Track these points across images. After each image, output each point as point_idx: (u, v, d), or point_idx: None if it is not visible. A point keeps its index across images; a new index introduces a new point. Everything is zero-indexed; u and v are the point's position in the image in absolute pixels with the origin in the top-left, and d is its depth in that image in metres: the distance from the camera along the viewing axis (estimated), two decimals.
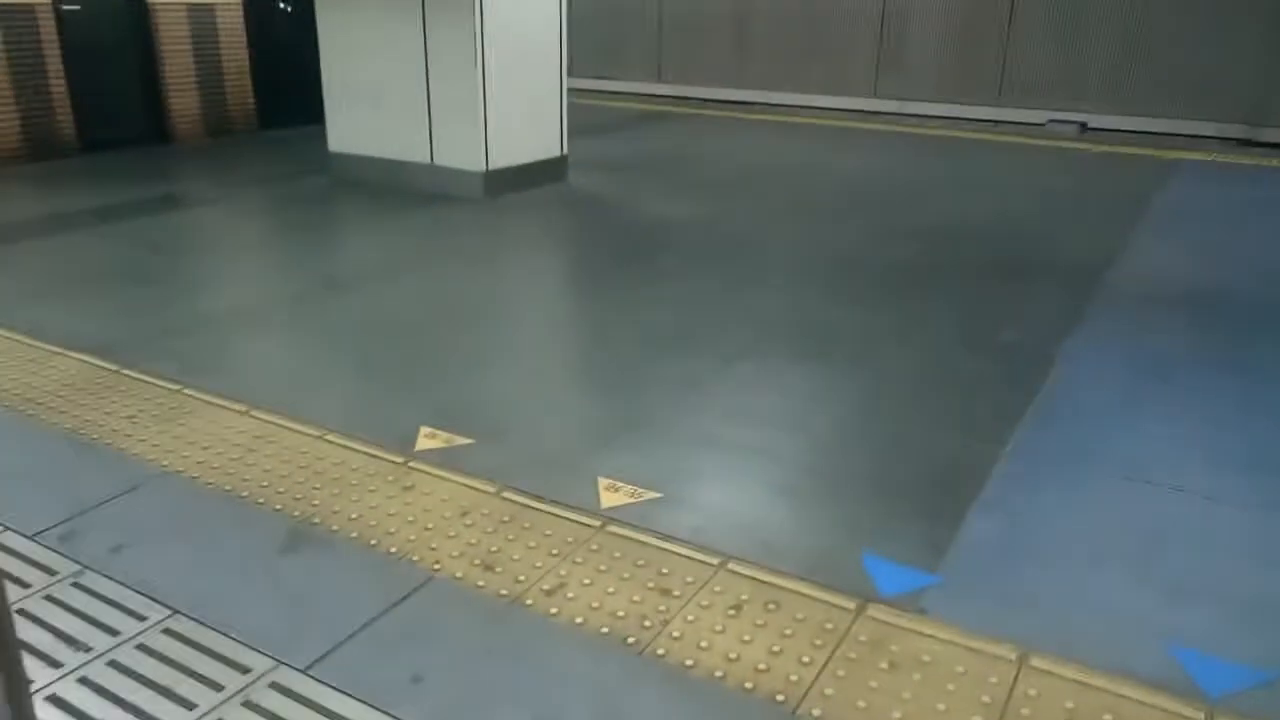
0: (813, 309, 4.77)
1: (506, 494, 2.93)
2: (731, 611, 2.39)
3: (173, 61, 8.90)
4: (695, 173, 8.31)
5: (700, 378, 3.88)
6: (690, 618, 2.37)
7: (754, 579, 2.52)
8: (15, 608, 2.37)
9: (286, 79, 9.58)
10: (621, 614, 2.38)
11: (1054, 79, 10.48)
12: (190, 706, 2.07)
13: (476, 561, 2.59)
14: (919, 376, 3.94)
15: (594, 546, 2.66)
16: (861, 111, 11.63)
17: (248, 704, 2.07)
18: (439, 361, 4.10)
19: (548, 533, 2.72)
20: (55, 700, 2.08)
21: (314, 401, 3.57)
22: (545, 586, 2.48)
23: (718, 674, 2.18)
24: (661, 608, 2.40)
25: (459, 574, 2.53)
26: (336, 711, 2.05)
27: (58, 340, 4.14)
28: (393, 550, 2.64)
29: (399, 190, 7.19)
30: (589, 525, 2.76)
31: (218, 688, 2.12)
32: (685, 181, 7.91)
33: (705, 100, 12.65)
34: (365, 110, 7.41)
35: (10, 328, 4.29)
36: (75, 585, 2.47)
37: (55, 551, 2.61)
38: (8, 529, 2.71)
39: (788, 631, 2.32)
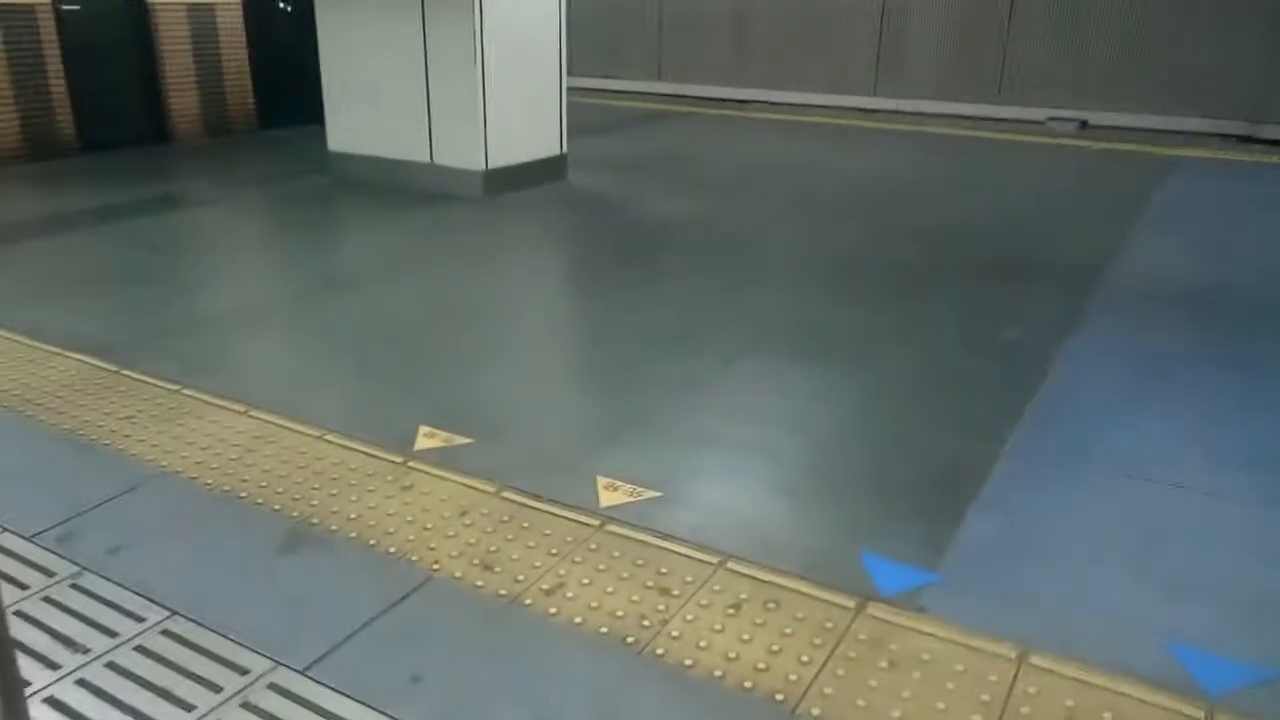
0: (813, 308, 4.77)
1: (506, 493, 2.93)
2: (731, 611, 2.39)
3: (172, 61, 8.90)
4: (695, 171, 8.30)
5: (700, 377, 3.87)
6: (689, 617, 2.36)
7: (753, 578, 2.52)
8: (13, 609, 2.37)
9: (286, 79, 9.58)
10: (620, 613, 2.37)
11: (1054, 76, 10.47)
12: (189, 708, 2.06)
13: (475, 561, 2.58)
14: (918, 375, 3.93)
15: (593, 546, 2.65)
16: (861, 109, 11.62)
17: (246, 705, 2.07)
18: (439, 361, 4.10)
19: (547, 532, 2.72)
20: (53, 702, 2.08)
21: (313, 401, 3.57)
22: (544, 586, 2.48)
23: (717, 673, 2.18)
24: (660, 607, 2.40)
25: (458, 574, 2.53)
26: (335, 712, 2.05)
27: (57, 340, 4.14)
28: (392, 550, 2.63)
29: (399, 189, 7.18)
30: (588, 524, 2.76)
31: (216, 689, 2.12)
32: (685, 180, 7.90)
33: (705, 99, 12.64)
34: (365, 110, 7.41)
35: (10, 328, 4.29)
36: (73, 587, 2.47)
37: (53, 553, 2.61)
38: (6, 530, 2.71)
39: (787, 630, 2.32)
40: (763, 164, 8.71)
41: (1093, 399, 3.66)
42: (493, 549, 2.64)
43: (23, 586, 2.46)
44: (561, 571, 2.54)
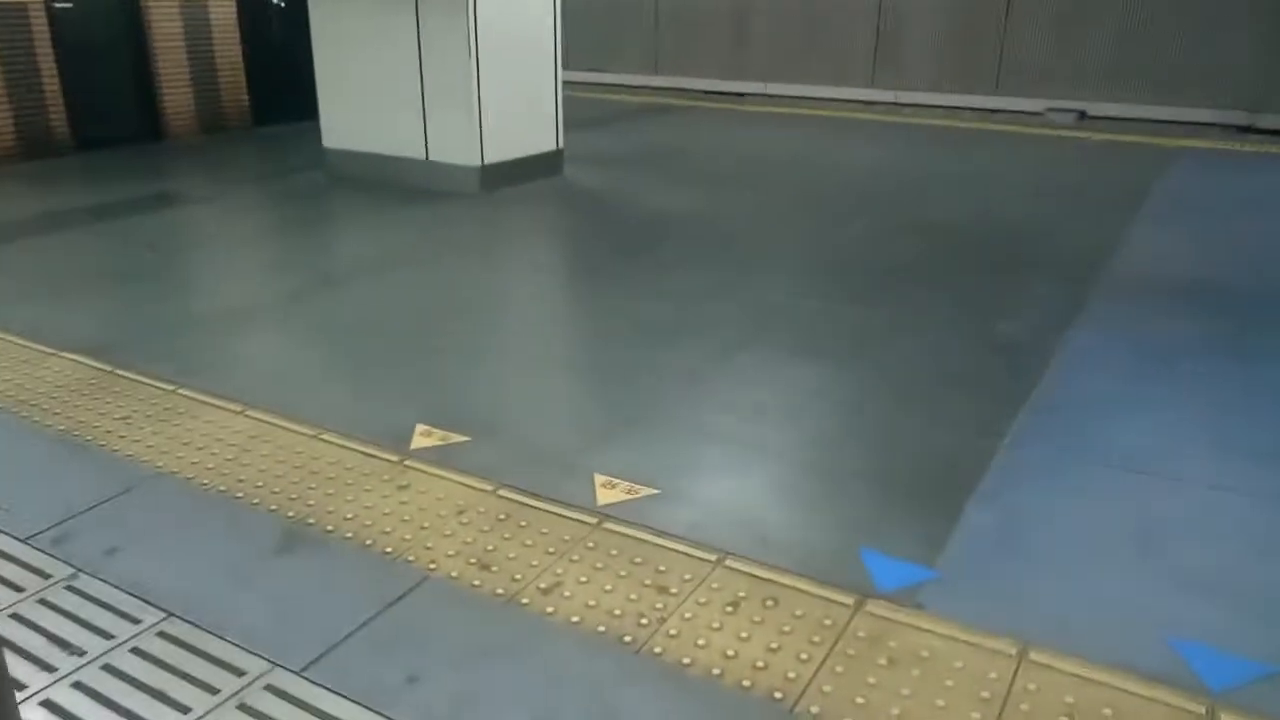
0: (811, 302, 4.75)
1: (503, 492, 2.91)
2: (729, 608, 2.38)
3: (166, 58, 8.86)
4: (692, 165, 8.28)
5: (698, 372, 3.86)
6: (687, 615, 2.35)
7: (751, 575, 2.51)
8: (8, 612, 2.36)
9: (280, 75, 9.54)
10: (618, 612, 2.36)
11: (1052, 67, 10.43)
12: (185, 710, 2.05)
13: (472, 560, 2.57)
14: (916, 368, 3.92)
15: (590, 544, 2.64)
16: (859, 101, 11.59)
17: (243, 707, 2.06)
18: (435, 359, 4.08)
19: (544, 530, 2.71)
20: (49, 705, 2.07)
21: (309, 400, 3.55)
22: (541, 585, 2.47)
23: (715, 672, 2.17)
24: (658, 605, 2.39)
25: (455, 573, 2.52)
26: (332, 713, 2.04)
27: (52, 340, 4.12)
28: (388, 550, 2.62)
29: (394, 186, 7.16)
30: (585, 522, 2.75)
31: (213, 691, 2.10)
32: (682, 174, 7.88)
33: (702, 92, 12.60)
34: (359, 106, 7.38)
35: (4, 328, 4.27)
36: (69, 588, 2.45)
37: (48, 555, 2.60)
38: (1, 532, 2.70)
39: (786, 628, 2.31)
40: (761, 157, 8.68)
41: (1093, 391, 3.65)
42: (490, 548, 2.63)
43: (18, 589, 2.45)
44: (559, 570, 2.53)
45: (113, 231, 6.04)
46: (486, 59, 6.75)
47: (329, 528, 2.72)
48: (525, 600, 2.41)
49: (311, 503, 2.85)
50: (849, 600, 2.41)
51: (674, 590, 2.45)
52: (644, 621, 2.33)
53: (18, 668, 2.17)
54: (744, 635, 2.28)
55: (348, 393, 3.73)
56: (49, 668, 2.18)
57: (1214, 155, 8.45)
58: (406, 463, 3.09)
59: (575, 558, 2.58)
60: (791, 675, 2.16)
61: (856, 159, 8.55)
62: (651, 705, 2.07)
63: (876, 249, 5.64)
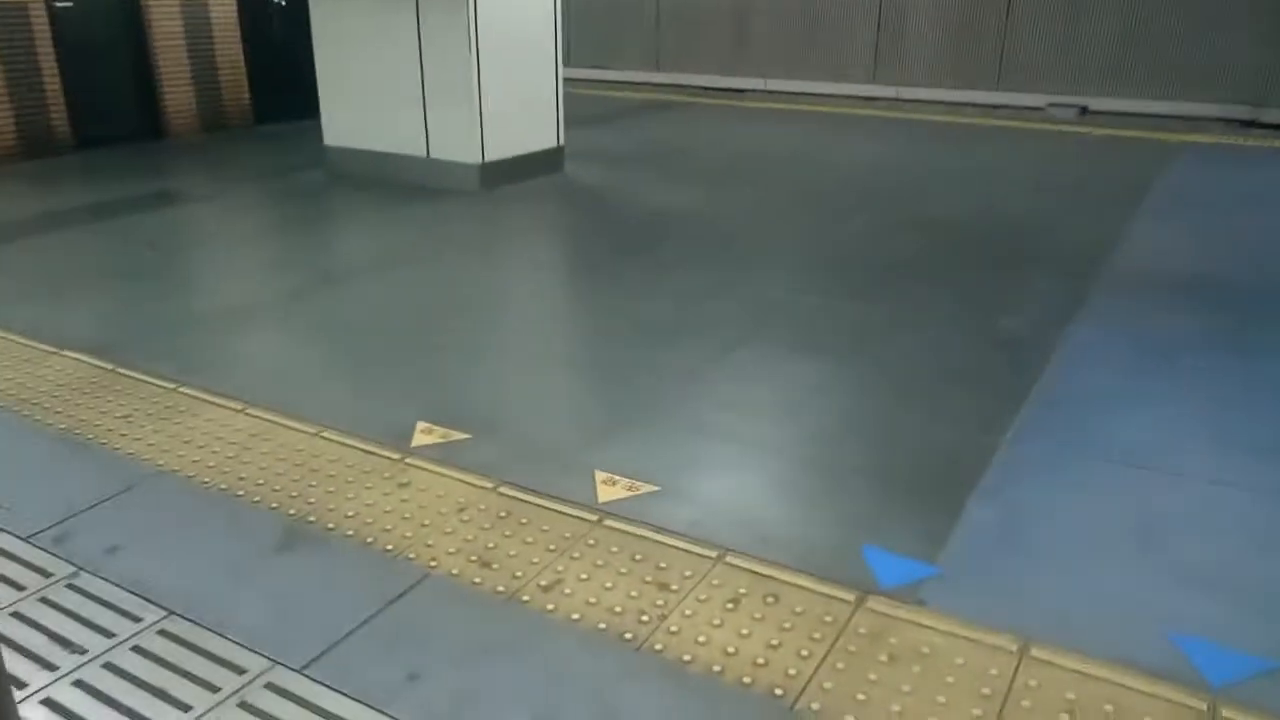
0: (811, 298, 4.74)
1: (503, 489, 2.91)
2: (730, 605, 2.38)
3: (167, 57, 8.86)
4: (693, 162, 8.27)
5: (698, 369, 3.85)
6: (688, 612, 2.35)
7: (752, 572, 2.51)
8: (10, 610, 2.37)
9: (281, 73, 9.54)
10: (619, 609, 2.36)
11: (1054, 62, 10.41)
12: (186, 708, 2.05)
13: (473, 558, 2.57)
14: (918, 364, 3.91)
15: (591, 541, 2.64)
16: (860, 98, 11.57)
17: (243, 705, 2.06)
18: (436, 356, 4.08)
19: (545, 528, 2.71)
20: (50, 703, 2.07)
21: (310, 398, 3.56)
22: (542, 582, 2.47)
23: (716, 668, 2.17)
24: (659, 602, 2.39)
25: (455, 570, 2.52)
26: (332, 711, 2.04)
27: (53, 339, 4.13)
28: (389, 547, 2.62)
29: (395, 183, 7.16)
30: (586, 520, 2.75)
31: (213, 689, 2.11)
32: (683, 171, 7.87)
33: (703, 89, 12.58)
34: (360, 104, 7.37)
35: (5, 327, 4.27)
36: (70, 587, 2.46)
37: (49, 553, 2.60)
38: (2, 530, 2.70)
39: (786, 625, 2.31)
40: (762, 153, 8.67)
41: (1095, 386, 3.65)
42: (490, 545, 2.63)
43: (19, 587, 2.45)
44: (559, 567, 2.53)
45: (113, 230, 6.05)
46: (487, 56, 6.75)
47: (330, 525, 2.72)
48: (526, 597, 2.41)
49: (312, 501, 2.85)
50: (850, 597, 2.41)
51: (674, 587, 2.45)
52: (645, 618, 2.33)
53: (19, 666, 2.17)
54: (745, 632, 2.28)
55: (348, 391, 3.73)
56: (50, 666, 2.18)
57: (1216, 150, 8.43)
58: (407, 460, 3.09)
59: (576, 555, 2.58)
60: (792, 672, 2.16)
61: (857, 155, 8.54)
62: (652, 702, 2.07)
63: (877, 245, 5.63)
